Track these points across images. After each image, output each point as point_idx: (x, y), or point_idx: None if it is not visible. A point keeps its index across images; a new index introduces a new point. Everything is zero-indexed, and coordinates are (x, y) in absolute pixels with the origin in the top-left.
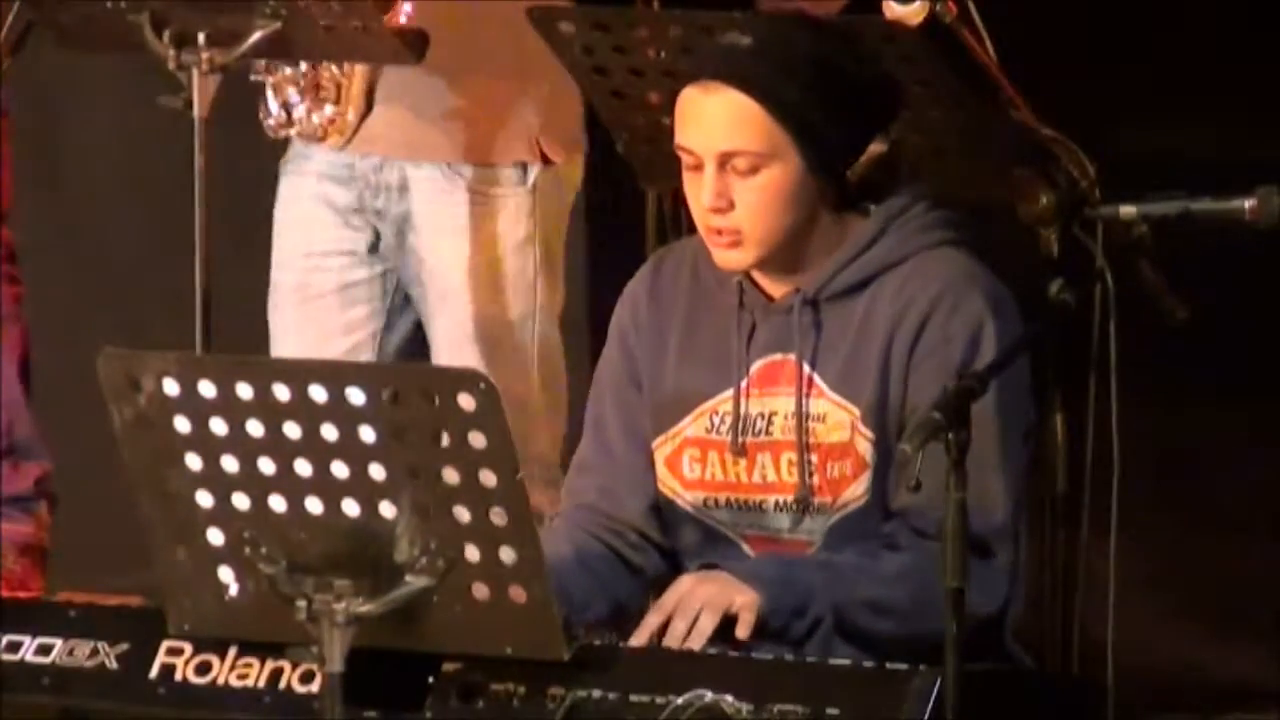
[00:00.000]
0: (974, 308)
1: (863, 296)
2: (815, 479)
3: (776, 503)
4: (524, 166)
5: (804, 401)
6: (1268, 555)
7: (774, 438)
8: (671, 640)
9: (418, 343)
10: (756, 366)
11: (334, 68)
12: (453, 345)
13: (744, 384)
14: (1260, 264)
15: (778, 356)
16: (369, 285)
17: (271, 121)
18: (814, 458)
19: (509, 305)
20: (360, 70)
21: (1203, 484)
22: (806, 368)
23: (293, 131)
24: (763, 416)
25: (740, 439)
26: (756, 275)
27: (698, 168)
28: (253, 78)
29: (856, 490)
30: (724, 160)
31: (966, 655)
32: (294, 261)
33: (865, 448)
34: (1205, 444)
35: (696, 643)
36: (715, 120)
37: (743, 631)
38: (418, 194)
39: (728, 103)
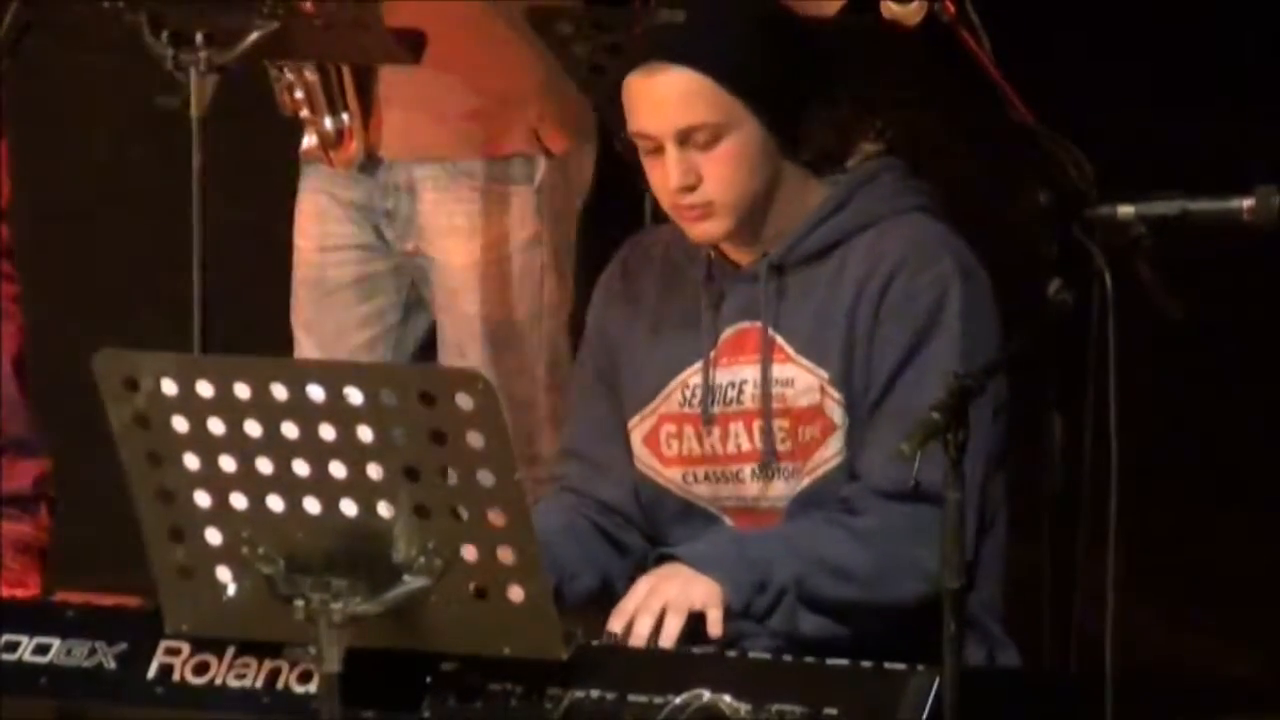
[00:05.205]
0: (941, 268)
1: (830, 261)
2: (788, 444)
3: (752, 471)
4: (529, 161)
5: (771, 367)
6: (1268, 555)
7: (744, 406)
8: (636, 643)
9: (435, 338)
10: (725, 335)
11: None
12: (460, 344)
13: (713, 354)
14: (1260, 264)
15: (745, 324)
16: (386, 278)
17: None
18: (784, 423)
19: (516, 305)
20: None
21: (1202, 483)
22: (772, 332)
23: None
24: (733, 385)
25: (711, 409)
26: (724, 245)
27: (657, 150)
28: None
29: (826, 452)
30: (683, 137)
31: (927, 622)
32: (311, 256)
33: (834, 410)
34: (1204, 443)
35: (664, 646)
36: (667, 100)
37: (714, 630)
38: (423, 194)
39: (675, 80)
